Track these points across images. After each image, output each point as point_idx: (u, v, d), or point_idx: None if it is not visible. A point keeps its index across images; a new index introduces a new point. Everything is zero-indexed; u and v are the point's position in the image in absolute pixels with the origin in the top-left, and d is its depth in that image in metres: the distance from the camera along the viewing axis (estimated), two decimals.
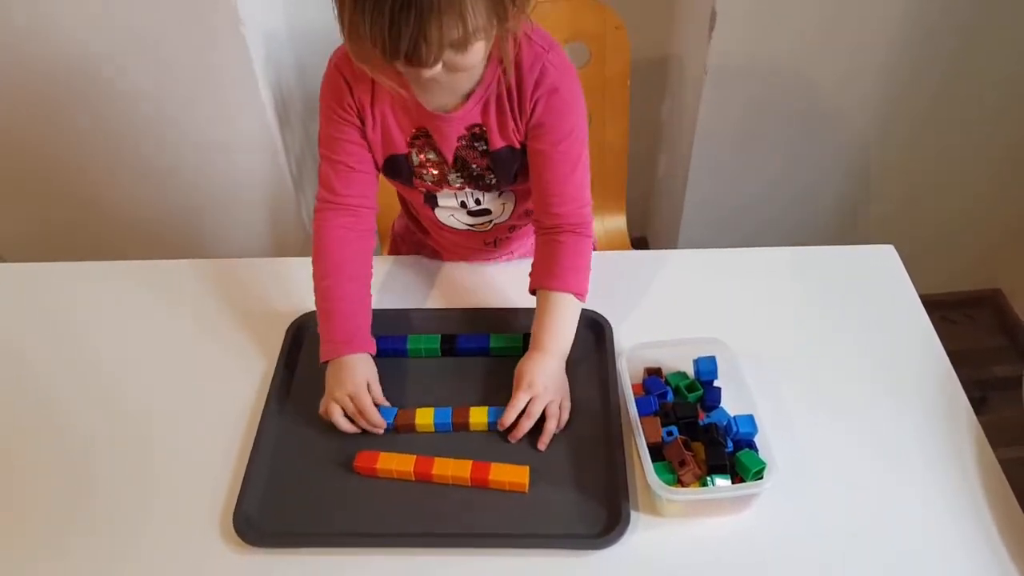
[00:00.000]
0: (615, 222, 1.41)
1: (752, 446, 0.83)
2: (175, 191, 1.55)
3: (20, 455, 0.89)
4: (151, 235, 1.62)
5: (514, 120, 0.91)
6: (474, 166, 0.95)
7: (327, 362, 0.90)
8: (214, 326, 1.02)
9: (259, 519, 0.81)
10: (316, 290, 0.94)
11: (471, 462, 0.84)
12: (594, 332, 0.98)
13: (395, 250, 1.21)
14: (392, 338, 0.97)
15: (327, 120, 0.93)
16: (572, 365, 0.92)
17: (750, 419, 0.84)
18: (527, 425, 0.86)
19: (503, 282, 1.07)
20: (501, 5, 0.76)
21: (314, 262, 0.95)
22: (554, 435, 0.87)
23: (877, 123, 1.57)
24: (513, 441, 0.87)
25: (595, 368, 0.95)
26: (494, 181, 0.96)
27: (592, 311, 0.98)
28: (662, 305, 1.03)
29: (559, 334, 0.91)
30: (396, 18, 0.70)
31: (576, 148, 0.92)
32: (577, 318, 0.93)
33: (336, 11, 0.77)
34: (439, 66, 0.76)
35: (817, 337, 0.99)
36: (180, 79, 1.35)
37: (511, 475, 0.83)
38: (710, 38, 1.39)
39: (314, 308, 0.95)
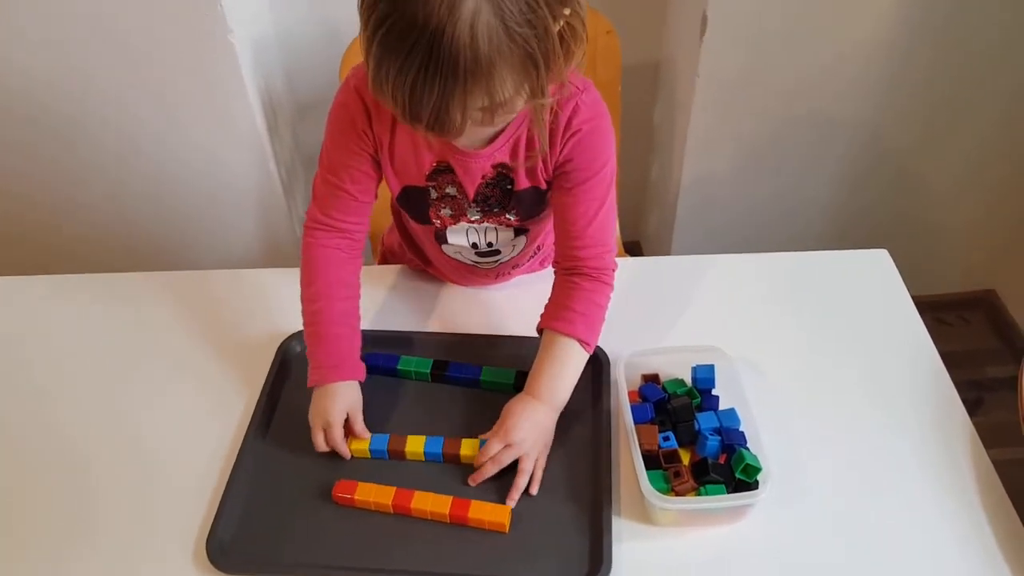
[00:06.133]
0: None
1: (741, 439, 0.83)
2: (163, 199, 1.54)
3: None
4: (138, 244, 1.61)
5: (543, 160, 0.87)
6: (496, 203, 0.91)
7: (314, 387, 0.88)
8: (200, 343, 1.00)
9: (233, 546, 0.80)
10: (304, 312, 0.91)
11: (451, 498, 0.81)
12: (590, 364, 0.92)
13: (384, 262, 1.19)
14: (385, 356, 0.95)
15: (336, 144, 0.88)
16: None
17: (732, 413, 0.85)
18: (490, 471, 0.82)
19: (501, 304, 1.05)
20: (531, 80, 0.70)
21: (303, 283, 0.91)
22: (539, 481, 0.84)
23: (869, 127, 1.57)
24: (472, 484, 0.83)
25: (586, 404, 0.91)
26: (514, 218, 0.93)
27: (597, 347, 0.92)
28: (656, 311, 1.02)
29: (558, 383, 0.86)
30: (418, 88, 0.65)
31: (602, 190, 0.87)
32: (580, 369, 0.87)
33: (362, 42, 0.69)
34: (463, 135, 0.72)
35: (811, 342, 0.99)
36: (169, 87, 1.35)
37: (491, 514, 0.80)
38: (701, 43, 1.39)
39: (302, 328, 0.92)
